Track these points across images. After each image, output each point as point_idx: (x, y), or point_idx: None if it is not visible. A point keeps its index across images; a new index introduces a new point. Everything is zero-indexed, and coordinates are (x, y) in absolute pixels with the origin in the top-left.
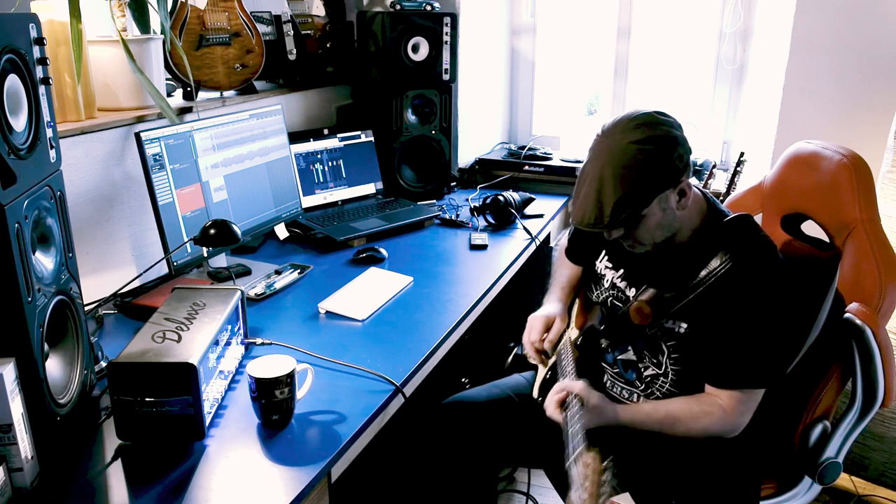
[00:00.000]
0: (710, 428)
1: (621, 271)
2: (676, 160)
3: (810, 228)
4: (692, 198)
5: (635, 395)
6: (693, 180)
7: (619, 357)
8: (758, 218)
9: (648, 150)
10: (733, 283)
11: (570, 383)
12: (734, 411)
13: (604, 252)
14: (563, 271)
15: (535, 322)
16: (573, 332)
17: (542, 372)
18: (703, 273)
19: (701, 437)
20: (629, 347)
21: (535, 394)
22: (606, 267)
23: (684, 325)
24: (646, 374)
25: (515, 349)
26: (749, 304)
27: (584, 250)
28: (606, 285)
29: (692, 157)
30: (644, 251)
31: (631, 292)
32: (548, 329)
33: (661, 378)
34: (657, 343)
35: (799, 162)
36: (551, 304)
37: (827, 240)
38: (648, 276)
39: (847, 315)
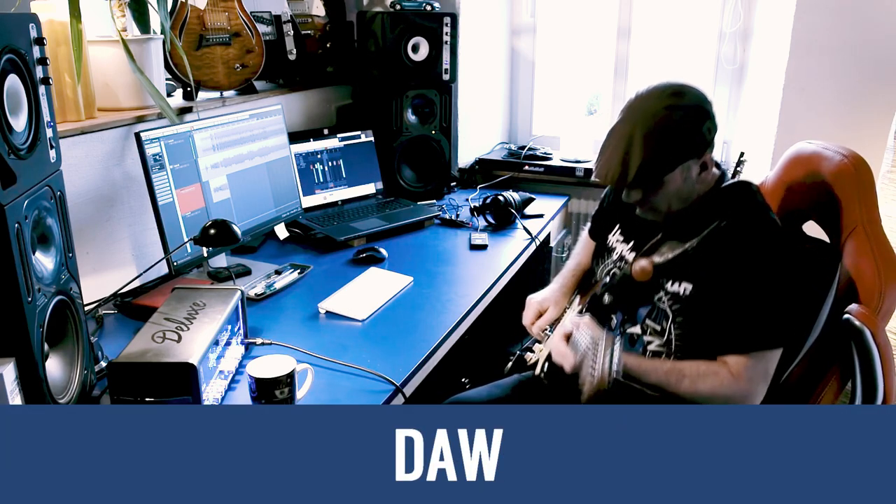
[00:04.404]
0: (717, 390)
1: (631, 243)
2: (705, 132)
3: (811, 229)
4: (711, 173)
5: None
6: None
7: (627, 330)
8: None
9: (680, 117)
10: (731, 241)
11: (576, 318)
12: (742, 376)
13: (618, 226)
14: (579, 256)
15: (530, 304)
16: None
17: (544, 350)
18: (704, 232)
19: (710, 402)
20: (635, 321)
21: (538, 371)
22: (618, 240)
23: (688, 286)
24: (650, 347)
25: (516, 354)
26: (746, 263)
27: (602, 226)
28: (615, 257)
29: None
30: (654, 219)
31: (632, 256)
32: (540, 315)
33: (666, 352)
34: (661, 309)
35: (800, 162)
36: (551, 287)
37: (828, 240)
38: (647, 239)
39: (846, 316)
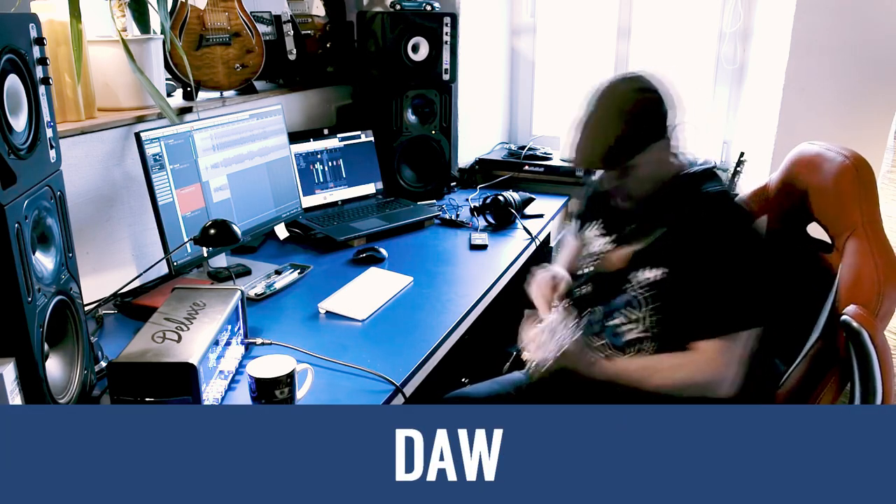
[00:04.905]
0: (694, 378)
1: (614, 236)
2: (670, 114)
3: (815, 230)
4: (678, 157)
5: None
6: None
7: (607, 324)
8: (763, 220)
9: (648, 98)
10: (695, 226)
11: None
12: (716, 361)
13: (597, 223)
14: (567, 254)
15: (542, 277)
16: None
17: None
18: (669, 217)
19: (688, 391)
20: (614, 312)
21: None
22: (595, 236)
23: (658, 272)
24: (630, 335)
25: (514, 353)
26: (710, 247)
27: (584, 223)
28: (595, 251)
29: (692, 158)
30: (630, 207)
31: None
32: (554, 289)
33: (646, 340)
34: (635, 296)
35: (802, 163)
36: (556, 268)
37: (829, 241)
38: (621, 228)
39: (844, 317)
